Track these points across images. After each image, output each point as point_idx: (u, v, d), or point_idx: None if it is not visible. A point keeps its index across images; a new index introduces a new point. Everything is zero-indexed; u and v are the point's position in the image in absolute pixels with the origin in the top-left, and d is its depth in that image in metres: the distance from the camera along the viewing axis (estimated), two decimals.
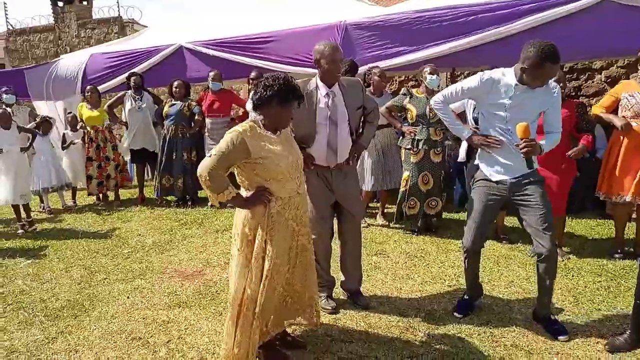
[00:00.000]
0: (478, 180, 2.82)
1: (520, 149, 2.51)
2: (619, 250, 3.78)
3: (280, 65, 5.54)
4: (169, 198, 6.27)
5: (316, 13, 5.89)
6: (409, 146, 4.46)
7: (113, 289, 3.57)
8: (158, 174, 6.08)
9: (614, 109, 3.73)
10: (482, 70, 4.23)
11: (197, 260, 4.10)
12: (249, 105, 5.64)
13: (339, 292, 3.26)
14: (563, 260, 3.70)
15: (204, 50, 6.15)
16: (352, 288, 3.22)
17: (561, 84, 3.34)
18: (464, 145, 4.46)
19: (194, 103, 6.01)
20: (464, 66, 5.75)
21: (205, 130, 5.92)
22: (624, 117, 3.63)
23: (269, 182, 2.26)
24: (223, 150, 2.18)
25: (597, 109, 3.75)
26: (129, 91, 6.23)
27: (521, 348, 2.56)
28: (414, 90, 4.57)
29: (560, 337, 2.61)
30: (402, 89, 4.74)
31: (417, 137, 4.40)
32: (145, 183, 6.66)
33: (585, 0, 4.40)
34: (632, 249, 3.85)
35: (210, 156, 2.21)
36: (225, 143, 2.19)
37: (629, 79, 6.06)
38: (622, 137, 3.61)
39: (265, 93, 2.23)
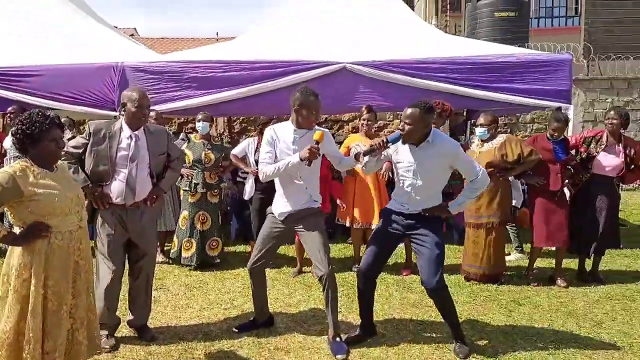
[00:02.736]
0: (270, 214, 3.30)
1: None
2: (356, 266, 4.77)
3: (48, 101, 5.27)
4: None
5: (92, 51, 5.81)
6: (187, 188, 4.79)
7: None
8: None
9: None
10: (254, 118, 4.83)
11: None
12: (7, 142, 5.17)
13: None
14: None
15: None
16: (140, 324, 3.30)
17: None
18: (249, 182, 4.94)
19: None
20: (237, 114, 6.44)
21: None
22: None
23: (46, 218, 2.30)
24: None
25: None
26: None
27: (282, 349, 3.11)
28: (192, 136, 4.98)
29: (338, 356, 2.99)
30: (181, 134, 5.08)
31: (194, 181, 4.76)
32: None
33: (330, 67, 5.50)
34: None
35: None
36: None
37: None
38: (355, 178, 4.67)
39: (16, 142, 2.33)
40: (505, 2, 10.16)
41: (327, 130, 3.30)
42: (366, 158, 3.13)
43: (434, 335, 3.31)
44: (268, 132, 3.23)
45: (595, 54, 10.87)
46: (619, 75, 10.37)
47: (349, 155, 4.73)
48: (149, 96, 5.36)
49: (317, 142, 3.03)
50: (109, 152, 3.02)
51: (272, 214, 3.28)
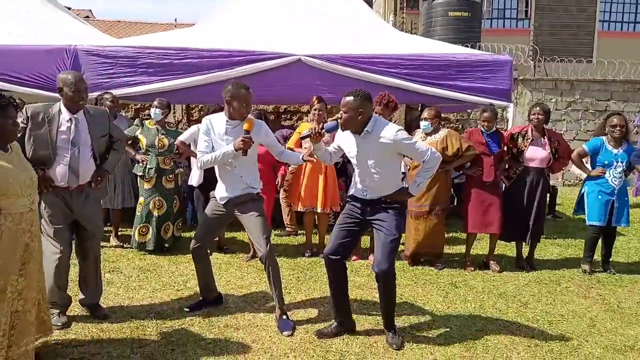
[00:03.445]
0: (212, 198, 3.44)
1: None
2: (308, 250, 4.99)
3: None
4: None
5: (41, 32, 5.70)
6: (141, 173, 4.84)
7: None
8: None
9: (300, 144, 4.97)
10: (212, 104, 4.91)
11: None
12: None
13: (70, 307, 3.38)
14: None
15: None
16: (92, 302, 3.37)
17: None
18: (195, 171, 5.05)
19: None
20: (194, 102, 6.47)
21: None
22: (306, 147, 4.87)
23: None
24: None
25: (290, 144, 4.92)
26: None
27: (231, 327, 3.27)
28: (146, 122, 5.00)
29: (284, 332, 3.16)
30: (136, 120, 5.10)
31: (148, 166, 4.81)
32: None
33: (285, 58, 5.61)
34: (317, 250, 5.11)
35: None
36: None
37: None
38: (304, 164, 4.82)
39: None
40: (459, 2, 10.57)
41: (260, 120, 3.43)
42: (306, 143, 3.28)
43: (375, 313, 3.55)
44: (204, 121, 3.35)
45: (542, 55, 11.49)
46: (563, 77, 11.00)
47: (300, 141, 4.94)
48: (103, 80, 5.49)
49: (248, 132, 3.17)
50: (49, 136, 3.01)
51: (215, 197, 3.43)
